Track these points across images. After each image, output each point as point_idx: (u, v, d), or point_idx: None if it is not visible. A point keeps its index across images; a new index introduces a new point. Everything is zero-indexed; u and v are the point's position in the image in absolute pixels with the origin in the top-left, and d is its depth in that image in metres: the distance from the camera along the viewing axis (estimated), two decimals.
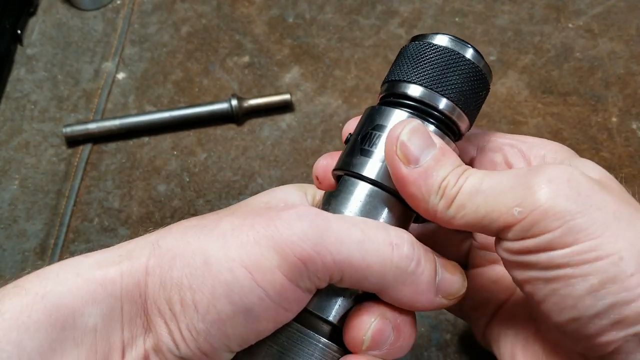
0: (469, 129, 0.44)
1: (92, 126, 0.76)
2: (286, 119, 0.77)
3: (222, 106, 0.76)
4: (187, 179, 0.73)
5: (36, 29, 0.86)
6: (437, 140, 0.40)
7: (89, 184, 0.74)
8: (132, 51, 0.83)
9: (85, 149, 0.76)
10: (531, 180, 0.37)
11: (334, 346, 0.41)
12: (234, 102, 0.76)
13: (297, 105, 0.78)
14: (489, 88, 0.43)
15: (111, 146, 0.77)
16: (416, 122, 0.40)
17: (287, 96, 0.77)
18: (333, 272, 0.38)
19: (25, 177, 0.75)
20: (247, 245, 0.37)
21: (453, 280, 0.41)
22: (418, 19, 0.83)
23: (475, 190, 0.38)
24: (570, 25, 0.81)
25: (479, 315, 0.47)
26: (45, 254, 0.69)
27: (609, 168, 0.71)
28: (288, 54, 0.81)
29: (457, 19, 0.82)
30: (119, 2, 0.87)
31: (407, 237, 0.40)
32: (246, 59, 0.81)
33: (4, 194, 0.74)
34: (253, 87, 0.79)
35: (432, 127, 0.41)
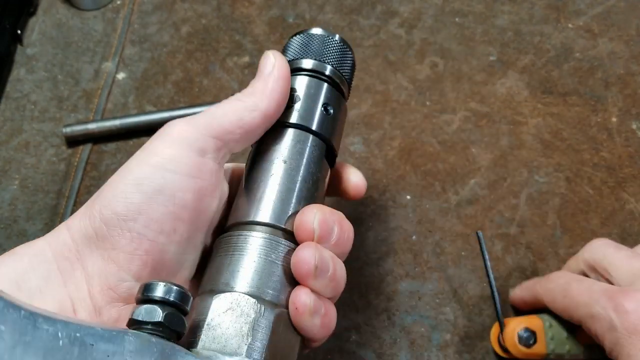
0: (349, 92, 0.57)
1: (92, 126, 0.76)
2: None
3: None
4: None
5: (36, 29, 0.86)
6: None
7: (89, 184, 0.74)
8: (132, 51, 0.83)
9: (85, 149, 0.76)
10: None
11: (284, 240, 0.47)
12: None
13: None
14: (354, 61, 0.58)
15: (111, 146, 0.77)
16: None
17: None
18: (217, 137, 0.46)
19: (25, 177, 0.75)
20: (137, 155, 0.45)
21: (266, 61, 0.51)
22: (418, 19, 0.83)
23: None
24: (570, 25, 0.81)
25: None
26: None
27: (609, 168, 0.71)
28: None
29: (457, 19, 0.83)
30: (119, 2, 0.87)
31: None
32: (246, 59, 0.81)
33: (4, 194, 0.74)
34: None
35: (325, 85, 0.54)
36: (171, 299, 0.38)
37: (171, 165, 0.44)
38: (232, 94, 0.76)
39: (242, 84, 0.79)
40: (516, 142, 0.74)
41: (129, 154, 0.76)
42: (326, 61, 0.55)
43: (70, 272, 0.43)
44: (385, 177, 0.72)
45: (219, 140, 0.46)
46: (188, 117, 0.47)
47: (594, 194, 0.70)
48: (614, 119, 0.75)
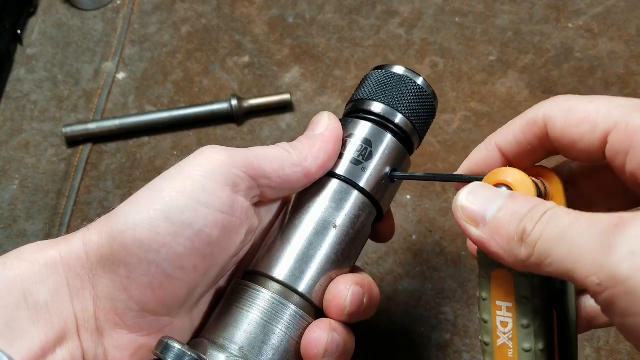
0: (419, 144, 0.53)
1: (92, 126, 0.76)
2: (286, 119, 0.77)
3: (222, 106, 0.76)
4: None
5: (36, 29, 0.86)
6: (503, 191, 0.39)
7: (89, 184, 0.74)
8: (132, 51, 0.83)
9: (85, 149, 0.76)
10: (613, 242, 0.32)
11: (305, 314, 0.45)
12: (234, 102, 0.76)
13: (297, 105, 0.78)
14: (436, 110, 0.52)
15: (111, 146, 0.77)
16: (473, 184, 0.39)
17: (287, 96, 0.77)
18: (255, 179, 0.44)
19: (25, 177, 0.75)
20: (170, 177, 0.42)
21: (320, 125, 0.49)
22: (418, 19, 0.83)
23: (558, 239, 0.34)
24: (570, 25, 0.81)
25: None
26: None
27: None
28: (288, 54, 0.81)
29: (457, 19, 0.83)
30: (119, 2, 0.87)
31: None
32: (246, 59, 0.81)
33: (4, 194, 0.74)
34: (253, 87, 0.79)
35: (389, 136, 0.49)
36: None
37: (204, 198, 0.42)
38: (232, 94, 0.77)
39: (242, 84, 0.79)
40: None
41: (129, 153, 0.76)
42: (398, 108, 0.49)
43: (79, 290, 0.42)
44: None
45: (254, 181, 0.44)
46: (230, 148, 0.45)
47: None
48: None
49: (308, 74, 0.80)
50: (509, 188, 0.40)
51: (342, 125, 0.50)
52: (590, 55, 0.79)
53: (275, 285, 0.45)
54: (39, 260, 0.41)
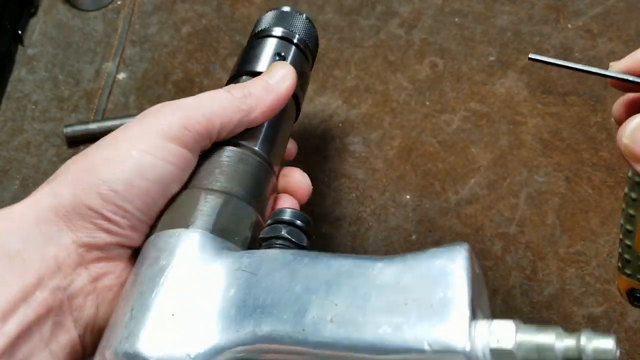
0: (312, 67, 0.66)
1: (92, 126, 0.76)
2: None
3: None
4: None
5: (37, 30, 0.86)
6: None
7: None
8: (132, 51, 0.83)
9: None
10: None
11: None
12: None
13: None
14: (318, 39, 0.67)
15: None
16: (637, 119, 0.40)
17: None
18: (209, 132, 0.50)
19: (26, 177, 0.75)
20: (137, 138, 0.47)
21: (279, 72, 0.54)
22: (418, 19, 0.83)
23: None
24: (569, 25, 0.81)
25: None
26: None
27: (609, 168, 0.71)
28: None
29: (456, 19, 0.83)
30: (119, 2, 0.87)
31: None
32: None
33: (4, 194, 0.74)
34: None
35: (294, 47, 0.61)
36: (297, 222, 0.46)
37: (172, 158, 0.47)
38: None
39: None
40: (516, 142, 0.74)
41: None
42: (295, 32, 0.62)
43: (55, 234, 0.44)
44: (385, 177, 0.73)
45: (207, 139, 0.50)
46: (179, 105, 0.49)
47: (593, 193, 0.70)
48: (613, 119, 0.75)
49: None
50: None
51: (251, 45, 0.62)
52: (589, 55, 0.79)
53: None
54: (5, 216, 0.44)
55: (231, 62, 0.81)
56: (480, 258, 0.67)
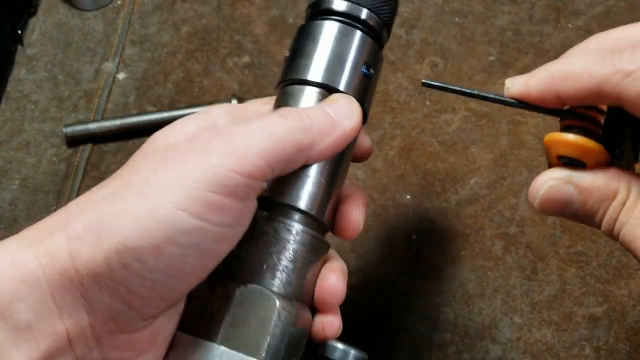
0: (388, 38, 0.51)
1: (92, 126, 0.76)
2: None
3: None
4: None
5: (36, 29, 0.86)
6: (571, 190, 0.40)
7: (89, 184, 0.74)
8: (132, 51, 0.83)
9: (86, 149, 0.76)
10: None
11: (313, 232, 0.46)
12: (234, 103, 0.76)
13: None
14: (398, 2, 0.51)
15: (111, 146, 0.77)
16: (537, 185, 0.41)
17: None
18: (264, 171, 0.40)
19: (26, 177, 0.75)
20: (170, 187, 0.38)
21: (342, 105, 0.45)
22: (418, 19, 0.83)
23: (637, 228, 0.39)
24: (569, 25, 0.81)
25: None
26: None
27: None
28: None
29: (457, 19, 0.83)
30: (119, 2, 0.87)
31: (291, 108, 0.44)
32: (246, 59, 0.81)
33: (4, 194, 0.74)
34: (253, 87, 0.79)
35: (359, 32, 0.47)
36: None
37: (213, 216, 0.38)
38: (232, 94, 0.77)
39: (242, 84, 0.80)
40: (516, 142, 0.74)
41: (129, 154, 0.75)
42: (362, 2, 0.47)
43: (69, 304, 0.38)
44: (385, 177, 0.72)
45: (260, 181, 0.40)
46: (221, 132, 0.40)
47: None
48: None
49: None
50: (578, 161, 0.40)
51: (307, 30, 0.49)
52: None
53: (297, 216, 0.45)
54: (15, 276, 0.37)
55: (231, 62, 0.81)
56: (481, 258, 0.67)
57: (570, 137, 0.40)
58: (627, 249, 0.39)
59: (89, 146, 0.77)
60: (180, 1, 0.87)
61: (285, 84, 0.48)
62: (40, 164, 0.76)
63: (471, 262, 0.67)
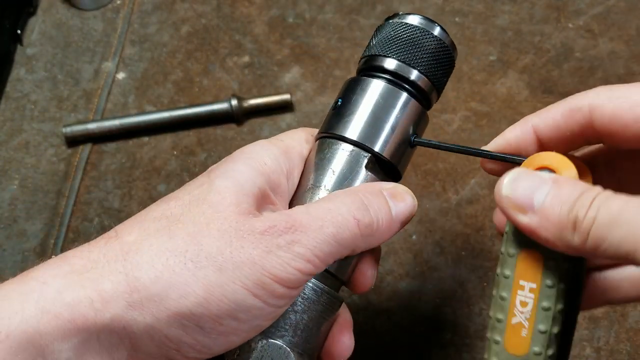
0: (437, 99, 0.50)
1: (92, 126, 0.76)
2: (286, 118, 0.77)
3: (222, 106, 0.76)
4: (187, 179, 0.73)
5: (36, 29, 0.86)
6: (546, 175, 0.39)
7: (88, 184, 0.74)
8: (132, 51, 0.83)
9: (85, 149, 0.76)
10: None
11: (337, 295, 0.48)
12: (234, 102, 0.76)
13: (297, 105, 0.78)
14: (454, 62, 0.50)
15: (111, 146, 0.77)
16: (515, 171, 0.39)
17: (287, 96, 0.77)
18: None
19: (25, 177, 0.75)
20: (244, 269, 0.40)
21: (406, 207, 0.46)
22: None
23: (612, 222, 0.34)
24: (570, 25, 0.81)
25: None
26: (45, 254, 0.69)
27: None
28: (288, 54, 0.81)
29: (457, 19, 0.82)
30: (119, 2, 0.87)
31: (366, 202, 0.44)
32: (246, 59, 0.81)
33: (3, 194, 0.74)
34: (253, 87, 0.79)
35: (405, 94, 0.47)
36: None
37: (275, 301, 0.41)
38: (232, 94, 0.77)
39: (242, 84, 0.79)
40: None
41: (129, 153, 0.76)
42: (413, 64, 0.47)
43: (114, 345, 0.39)
44: None
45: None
46: (301, 235, 0.41)
47: None
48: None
49: (308, 74, 0.80)
50: (551, 172, 0.40)
51: (354, 83, 0.48)
52: (590, 55, 0.79)
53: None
54: (64, 315, 0.37)
55: (231, 62, 0.81)
56: (481, 258, 0.67)
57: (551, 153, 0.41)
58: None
59: (88, 146, 0.76)
60: (180, 1, 0.87)
61: (326, 136, 0.48)
62: (40, 163, 0.76)
63: (471, 261, 0.67)
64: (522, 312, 0.40)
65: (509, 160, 0.43)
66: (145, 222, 0.42)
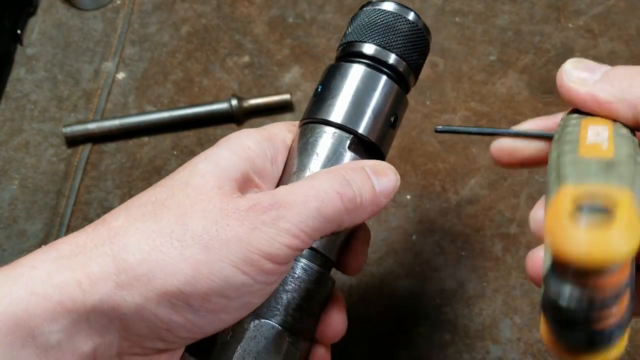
0: (415, 83, 0.52)
1: (92, 126, 0.76)
2: (286, 118, 0.77)
3: (222, 106, 0.76)
4: None
5: (36, 29, 0.86)
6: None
7: (88, 184, 0.74)
8: (132, 51, 0.83)
9: (85, 149, 0.76)
10: None
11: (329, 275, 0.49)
12: (234, 102, 0.76)
13: (297, 105, 0.78)
14: (429, 46, 0.52)
15: (111, 146, 0.77)
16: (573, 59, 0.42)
17: (287, 96, 0.77)
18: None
19: (25, 177, 0.75)
20: (230, 247, 0.40)
21: (389, 182, 0.46)
22: None
23: None
24: (570, 25, 0.81)
25: None
26: None
27: None
28: (288, 54, 0.81)
29: (457, 19, 0.82)
30: (119, 2, 0.87)
31: (348, 177, 0.44)
32: (246, 59, 0.81)
33: (3, 194, 0.74)
34: (253, 87, 0.79)
35: (385, 77, 0.48)
36: None
37: (265, 277, 0.41)
38: (232, 94, 0.77)
39: (242, 84, 0.79)
40: None
41: (129, 153, 0.76)
42: (391, 48, 0.48)
43: (104, 326, 0.39)
44: None
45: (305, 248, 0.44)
46: (285, 210, 0.41)
47: None
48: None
49: (308, 74, 0.80)
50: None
51: (333, 70, 0.50)
52: (590, 55, 0.79)
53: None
54: (54, 297, 0.38)
55: (231, 62, 0.81)
56: (481, 258, 0.67)
57: None
58: None
59: (88, 146, 0.76)
60: (180, 1, 0.87)
61: (308, 122, 0.49)
62: (40, 163, 0.76)
63: (471, 262, 0.67)
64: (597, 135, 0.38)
65: (541, 135, 0.43)
66: (131, 208, 0.42)
